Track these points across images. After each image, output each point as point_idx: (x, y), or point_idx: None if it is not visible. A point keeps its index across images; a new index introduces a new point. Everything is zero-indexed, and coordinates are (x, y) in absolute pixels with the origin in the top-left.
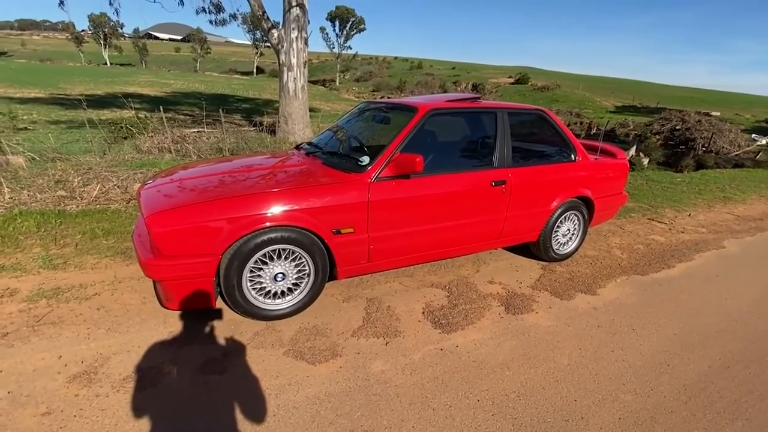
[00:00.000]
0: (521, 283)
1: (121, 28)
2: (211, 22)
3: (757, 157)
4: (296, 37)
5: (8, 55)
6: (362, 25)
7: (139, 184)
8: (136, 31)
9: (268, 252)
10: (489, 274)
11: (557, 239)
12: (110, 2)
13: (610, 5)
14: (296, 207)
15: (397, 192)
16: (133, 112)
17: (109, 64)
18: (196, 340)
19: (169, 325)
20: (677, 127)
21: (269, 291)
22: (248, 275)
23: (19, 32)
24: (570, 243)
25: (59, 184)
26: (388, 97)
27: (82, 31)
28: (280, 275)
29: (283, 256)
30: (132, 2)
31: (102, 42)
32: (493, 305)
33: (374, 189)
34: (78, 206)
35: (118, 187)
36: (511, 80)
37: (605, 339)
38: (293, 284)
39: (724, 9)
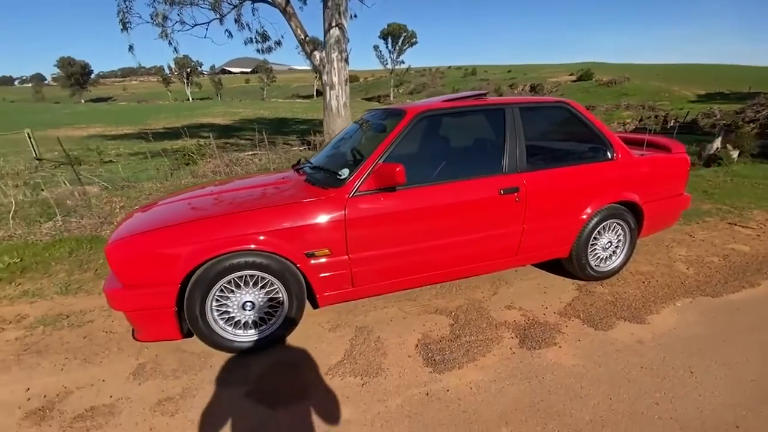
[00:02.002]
0: (547, 309)
1: (200, 67)
2: (258, 50)
3: None
4: (336, 57)
5: (113, 99)
6: (414, 39)
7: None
8: (212, 68)
9: (233, 279)
10: (509, 297)
11: (596, 253)
12: (169, 42)
13: None
14: (262, 229)
15: (380, 207)
16: (196, 140)
17: (191, 99)
18: (160, 375)
19: (142, 356)
20: None
21: (239, 321)
22: (213, 304)
23: (121, 79)
24: (614, 258)
25: (103, 211)
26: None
27: (170, 73)
28: (249, 304)
29: (251, 283)
30: (203, 43)
31: (185, 81)
32: (505, 337)
33: (352, 204)
34: (111, 231)
35: None
36: (573, 78)
37: (649, 386)
38: (265, 314)
39: None
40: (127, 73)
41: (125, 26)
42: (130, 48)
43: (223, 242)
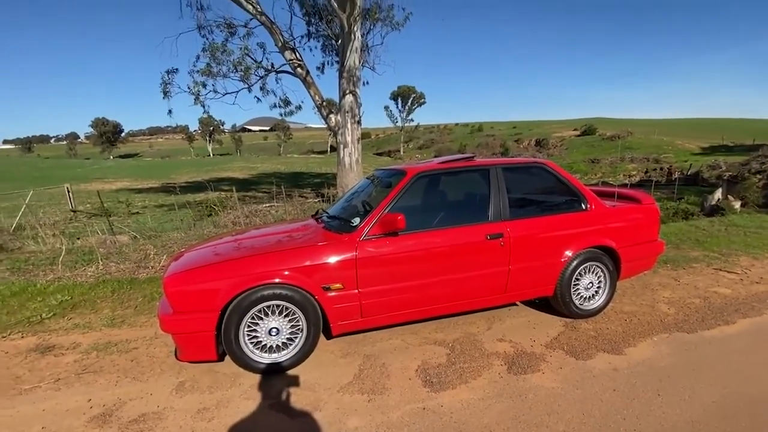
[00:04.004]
0: (534, 341)
1: (222, 126)
2: (281, 114)
3: None
4: (350, 120)
5: (139, 155)
6: (423, 100)
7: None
8: (233, 127)
9: (263, 308)
10: (501, 331)
11: (579, 293)
12: (203, 107)
13: (683, 44)
14: (288, 266)
15: (385, 249)
16: (217, 193)
17: (212, 155)
18: (198, 390)
19: (182, 375)
20: None
21: (265, 345)
22: (245, 329)
23: (148, 137)
24: (597, 297)
25: (138, 257)
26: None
27: (194, 131)
28: (275, 330)
29: (277, 312)
30: (225, 105)
31: (207, 138)
32: (495, 364)
33: (362, 247)
34: (147, 274)
35: None
36: (577, 132)
37: (619, 405)
38: (288, 339)
39: None
40: (154, 131)
41: (166, 94)
42: (170, 112)
43: (257, 276)
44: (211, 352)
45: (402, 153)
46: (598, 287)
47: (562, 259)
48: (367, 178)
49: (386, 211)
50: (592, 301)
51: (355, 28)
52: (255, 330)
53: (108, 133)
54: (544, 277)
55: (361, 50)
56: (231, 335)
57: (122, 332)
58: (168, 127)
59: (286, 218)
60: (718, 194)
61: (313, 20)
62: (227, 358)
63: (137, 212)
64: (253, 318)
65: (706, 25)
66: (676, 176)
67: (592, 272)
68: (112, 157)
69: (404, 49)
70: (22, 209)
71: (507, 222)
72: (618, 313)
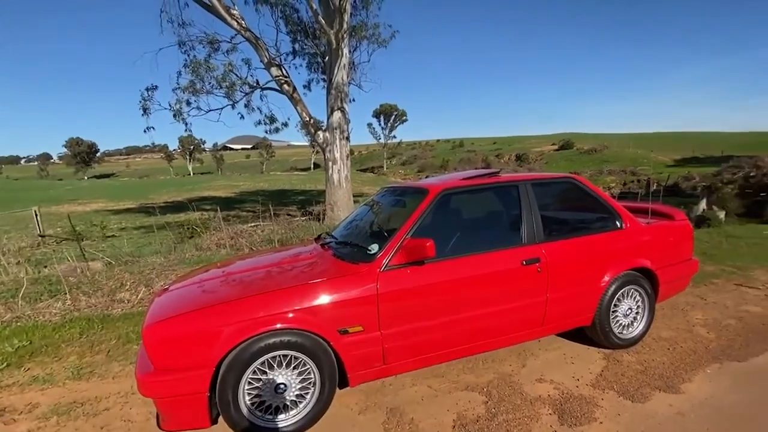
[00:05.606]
0: (579, 380)
1: (203, 144)
2: (266, 131)
3: None
4: (339, 136)
5: (115, 175)
6: (405, 117)
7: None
8: (215, 145)
9: (267, 360)
10: (538, 369)
11: (617, 320)
12: (185, 125)
13: (651, 61)
14: (296, 307)
15: (411, 281)
16: (199, 213)
17: (192, 174)
18: None
19: None
20: (752, 174)
21: (270, 405)
22: (246, 388)
23: (125, 156)
24: (636, 324)
25: (112, 288)
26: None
27: (174, 150)
28: (282, 386)
29: (284, 364)
30: (211, 124)
31: (188, 157)
32: (543, 414)
33: (384, 279)
34: (123, 309)
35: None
36: (555, 147)
37: None
38: (297, 396)
39: None
40: (131, 150)
41: (145, 111)
42: (147, 129)
43: (263, 321)
44: (203, 419)
45: (385, 169)
46: (637, 313)
47: (602, 284)
48: (375, 197)
49: (408, 235)
50: (631, 329)
51: (343, 45)
52: (258, 387)
53: (83, 153)
54: (582, 306)
55: (348, 67)
56: (229, 396)
57: (91, 387)
58: (146, 146)
59: (274, 240)
60: (703, 205)
61: (298, 37)
62: (220, 419)
63: (113, 235)
64: (254, 373)
65: (672, 44)
66: (655, 188)
67: (631, 297)
68: (86, 178)
69: (387, 66)
70: None
71: (542, 244)
72: (657, 340)
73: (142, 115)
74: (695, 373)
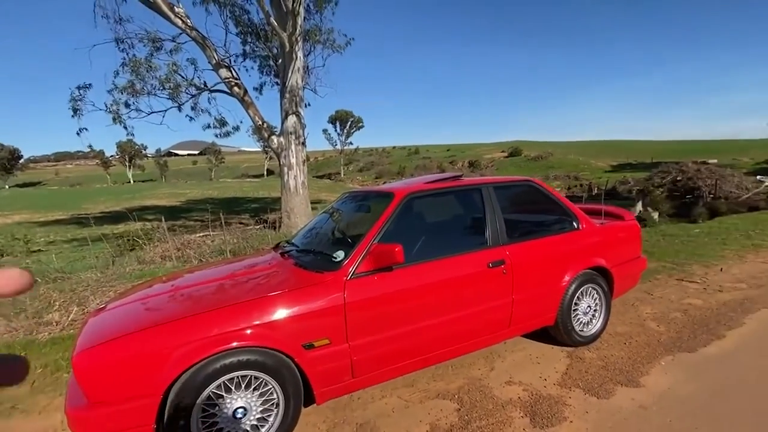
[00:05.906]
0: (546, 380)
1: (144, 150)
2: (216, 135)
3: None
4: (294, 141)
5: (42, 184)
6: (361, 124)
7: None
8: (158, 151)
9: (223, 382)
10: (506, 371)
11: (578, 318)
12: (125, 128)
13: (591, 76)
14: (255, 322)
15: (380, 288)
16: (141, 223)
17: (132, 182)
18: None
19: None
20: (678, 178)
21: None
22: (199, 416)
23: (54, 163)
24: (594, 321)
25: (38, 309)
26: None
27: (111, 156)
28: (241, 410)
29: (243, 385)
30: (153, 128)
31: (127, 163)
32: (515, 417)
33: (351, 288)
34: (51, 333)
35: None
36: (505, 154)
37: None
38: (258, 420)
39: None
40: (61, 156)
41: (76, 112)
42: (80, 131)
43: (216, 340)
44: None
45: (343, 175)
46: (596, 310)
47: (562, 284)
48: (336, 203)
49: (376, 240)
50: (590, 326)
51: (297, 48)
52: (214, 414)
53: (3, 160)
54: (546, 305)
55: (303, 71)
56: (180, 427)
57: (13, 425)
58: (78, 152)
59: (226, 250)
60: (639, 206)
61: (249, 39)
62: None
63: (39, 250)
64: (209, 398)
65: (602, 60)
66: (596, 191)
67: (589, 295)
68: (8, 187)
69: (344, 72)
70: None
71: (506, 246)
72: (614, 335)
73: (73, 116)
74: (651, 366)
